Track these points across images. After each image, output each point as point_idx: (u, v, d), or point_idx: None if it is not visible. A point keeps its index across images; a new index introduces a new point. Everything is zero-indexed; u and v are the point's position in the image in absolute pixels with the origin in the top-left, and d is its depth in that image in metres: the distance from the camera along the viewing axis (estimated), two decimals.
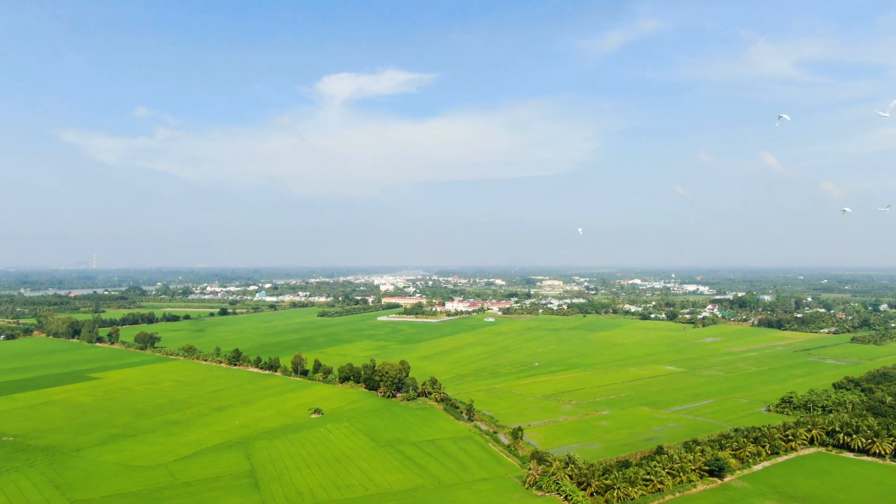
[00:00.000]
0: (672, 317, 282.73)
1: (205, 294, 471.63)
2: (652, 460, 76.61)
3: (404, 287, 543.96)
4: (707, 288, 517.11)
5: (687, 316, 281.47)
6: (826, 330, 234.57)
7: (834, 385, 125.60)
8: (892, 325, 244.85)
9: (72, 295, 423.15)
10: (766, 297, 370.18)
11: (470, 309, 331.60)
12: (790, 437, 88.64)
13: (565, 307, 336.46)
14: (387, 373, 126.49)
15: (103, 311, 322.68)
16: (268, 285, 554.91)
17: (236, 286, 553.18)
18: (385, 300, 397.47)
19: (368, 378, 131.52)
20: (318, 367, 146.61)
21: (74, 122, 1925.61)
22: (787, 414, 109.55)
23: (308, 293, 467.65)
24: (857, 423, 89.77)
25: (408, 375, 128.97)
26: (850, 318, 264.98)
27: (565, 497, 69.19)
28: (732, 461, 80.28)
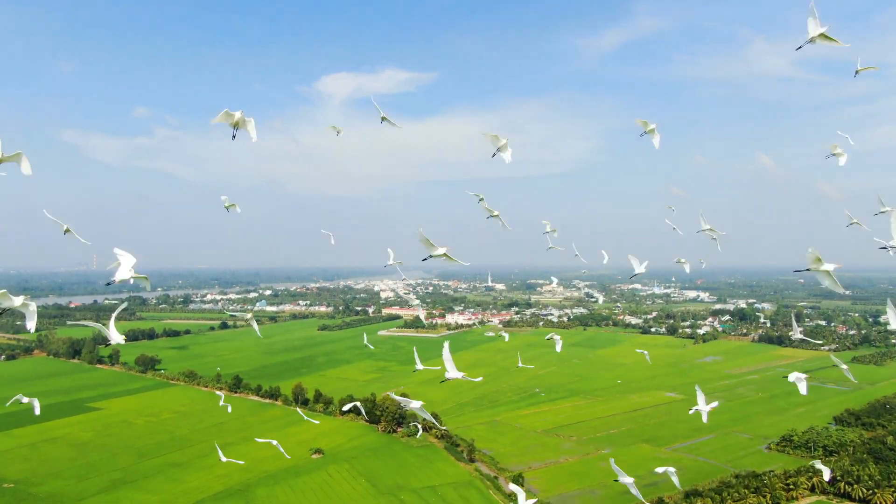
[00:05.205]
0: (672, 331, 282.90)
1: (205, 303, 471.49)
2: None
3: (405, 294, 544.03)
4: (707, 294, 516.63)
5: (687, 330, 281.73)
6: (827, 347, 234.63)
7: (834, 419, 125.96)
8: (893, 340, 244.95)
9: (72, 305, 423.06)
10: (767, 306, 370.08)
11: (470, 322, 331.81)
12: (791, 486, 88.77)
13: (566, 319, 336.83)
14: (387, 408, 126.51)
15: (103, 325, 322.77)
16: (268, 292, 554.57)
17: (236, 293, 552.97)
18: (385, 310, 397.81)
19: (369, 411, 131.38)
20: (318, 397, 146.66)
21: (73, 122, 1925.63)
22: (788, 453, 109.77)
23: (308, 302, 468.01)
24: (857, 471, 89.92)
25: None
26: (850, 332, 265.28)
27: None
28: None
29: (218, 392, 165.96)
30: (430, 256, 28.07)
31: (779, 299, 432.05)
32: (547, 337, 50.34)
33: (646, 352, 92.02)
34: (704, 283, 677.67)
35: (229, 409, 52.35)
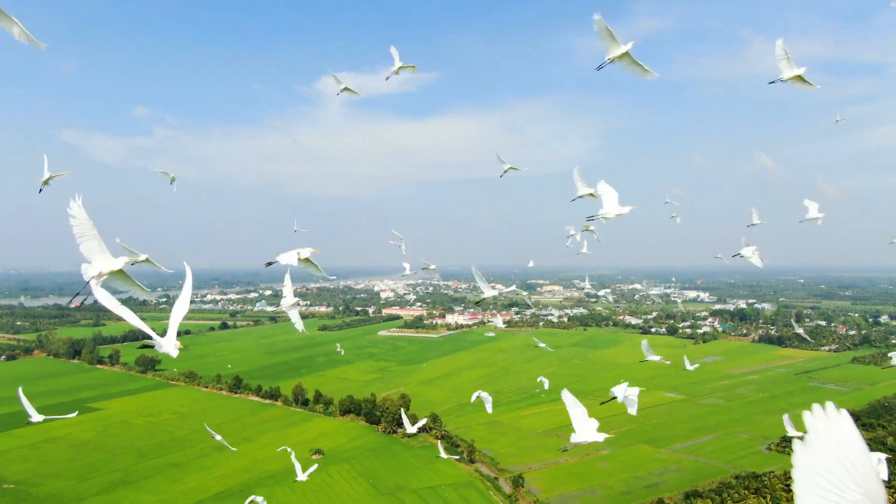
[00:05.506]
0: (672, 331, 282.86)
1: (205, 303, 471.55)
2: None
3: (404, 294, 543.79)
4: (707, 294, 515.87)
5: (687, 330, 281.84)
6: (827, 347, 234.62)
7: None
8: (893, 341, 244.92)
9: (72, 305, 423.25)
10: (767, 306, 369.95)
11: (470, 322, 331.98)
12: (791, 488, 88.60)
13: (566, 319, 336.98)
14: (387, 408, 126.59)
15: (104, 325, 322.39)
16: (268, 292, 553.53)
17: (236, 293, 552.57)
18: (385, 311, 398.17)
19: (369, 412, 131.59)
20: (318, 397, 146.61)
21: (73, 122, 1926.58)
22: (788, 454, 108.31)
23: (308, 302, 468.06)
24: None
25: (408, 410, 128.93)
26: (850, 332, 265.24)
27: None
28: None
29: (220, 392, 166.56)
30: (598, 217, 24.44)
31: (779, 299, 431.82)
32: (644, 360, 44.66)
33: (546, 380, 66.01)
34: (704, 283, 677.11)
35: (217, 437, 52.55)
